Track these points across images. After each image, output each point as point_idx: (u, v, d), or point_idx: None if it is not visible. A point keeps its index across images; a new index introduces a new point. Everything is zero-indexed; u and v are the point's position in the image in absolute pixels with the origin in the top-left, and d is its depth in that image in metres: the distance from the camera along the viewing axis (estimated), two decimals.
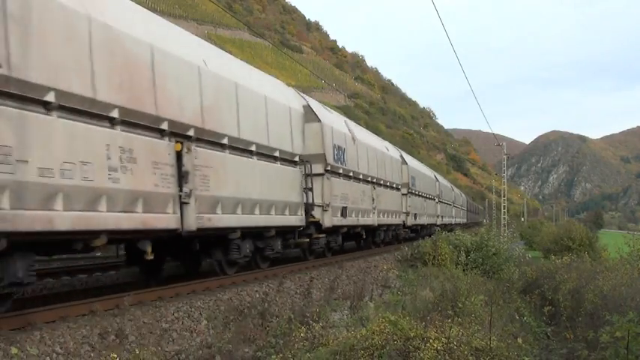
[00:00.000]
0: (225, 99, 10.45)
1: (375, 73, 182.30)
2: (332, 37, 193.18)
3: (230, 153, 10.53)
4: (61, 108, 6.73)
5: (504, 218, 54.39)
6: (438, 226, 32.12)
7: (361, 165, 18.74)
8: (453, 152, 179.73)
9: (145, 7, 9.78)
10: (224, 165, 10.24)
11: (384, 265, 17.52)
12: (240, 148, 10.89)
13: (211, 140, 9.92)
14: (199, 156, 9.43)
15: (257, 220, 11.32)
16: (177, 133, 8.92)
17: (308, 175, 14.00)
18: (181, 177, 8.90)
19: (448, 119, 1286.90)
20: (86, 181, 6.95)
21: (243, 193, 10.77)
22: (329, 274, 13.71)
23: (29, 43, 6.33)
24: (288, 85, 16.22)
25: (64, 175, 6.65)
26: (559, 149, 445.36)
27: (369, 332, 6.85)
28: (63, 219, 6.61)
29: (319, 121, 14.91)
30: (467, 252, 19.66)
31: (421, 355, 6.24)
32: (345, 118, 20.61)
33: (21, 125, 6.18)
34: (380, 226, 21.29)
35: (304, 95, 15.76)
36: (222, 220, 9.96)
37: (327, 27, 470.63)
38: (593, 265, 17.79)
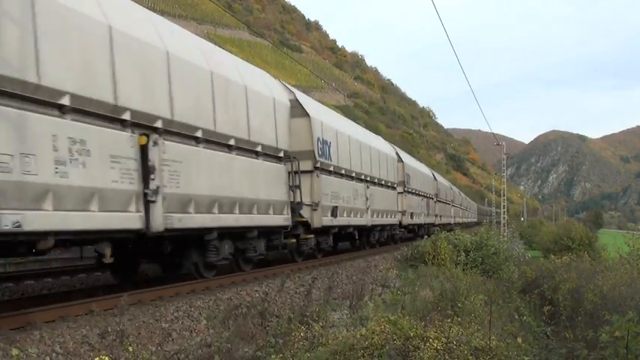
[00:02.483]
0: (368, 154, 19.70)
1: (375, 72, 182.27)
2: (332, 36, 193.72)
3: (369, 185, 19.80)
4: (318, 172, 14.76)
5: (504, 218, 54.41)
6: (452, 224, 42.60)
7: (416, 184, 28.86)
8: (453, 152, 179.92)
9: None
10: (376, 192, 20.57)
11: (384, 265, 17.52)
12: (373, 182, 20.35)
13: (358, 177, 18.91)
14: (372, 190, 19.59)
15: (380, 220, 20.98)
16: (360, 178, 18.50)
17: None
18: (367, 199, 18.61)
19: (448, 119, 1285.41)
20: (348, 203, 16.71)
21: (377, 206, 20.35)
22: (329, 274, 13.71)
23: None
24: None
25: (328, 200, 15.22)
26: (558, 149, 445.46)
27: (368, 332, 6.85)
28: (339, 220, 15.87)
29: (402, 161, 25.91)
30: (466, 251, 19.58)
31: (421, 354, 6.24)
32: (408, 155, 32.16)
33: (311, 178, 14.47)
34: (424, 224, 31.18)
35: (393, 145, 27.24)
36: (342, 220, 17.01)
37: (326, 26, 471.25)
38: (592, 264, 17.83)
